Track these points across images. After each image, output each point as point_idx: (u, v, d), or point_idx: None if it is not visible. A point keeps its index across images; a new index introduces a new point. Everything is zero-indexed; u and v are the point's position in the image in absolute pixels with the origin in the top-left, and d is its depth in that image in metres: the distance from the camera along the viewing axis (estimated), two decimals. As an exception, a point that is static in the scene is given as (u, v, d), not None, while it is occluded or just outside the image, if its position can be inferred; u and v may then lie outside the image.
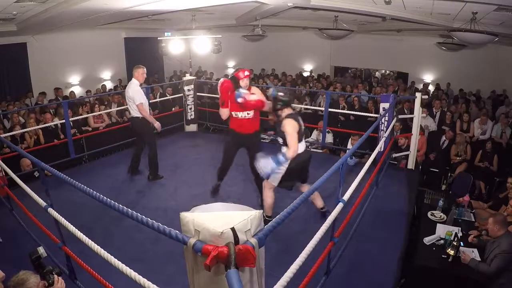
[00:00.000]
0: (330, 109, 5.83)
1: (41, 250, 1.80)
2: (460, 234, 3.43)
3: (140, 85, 4.46)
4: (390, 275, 2.93)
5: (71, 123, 5.16)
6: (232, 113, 3.65)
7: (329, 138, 6.45)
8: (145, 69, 4.47)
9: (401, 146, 5.63)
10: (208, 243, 1.31)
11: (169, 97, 8.20)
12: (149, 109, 4.77)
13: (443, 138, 6.67)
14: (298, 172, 3.27)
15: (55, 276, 1.78)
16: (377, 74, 14.72)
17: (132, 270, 1.56)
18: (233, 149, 3.90)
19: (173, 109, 7.80)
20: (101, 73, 10.41)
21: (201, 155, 5.44)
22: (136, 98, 4.34)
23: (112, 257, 1.71)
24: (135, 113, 4.43)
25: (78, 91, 9.58)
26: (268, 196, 3.39)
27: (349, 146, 6.07)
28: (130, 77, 10.91)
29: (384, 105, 4.94)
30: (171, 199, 4.18)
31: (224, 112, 3.68)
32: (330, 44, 12.59)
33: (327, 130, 5.83)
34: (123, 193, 4.33)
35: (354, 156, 5.43)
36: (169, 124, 6.90)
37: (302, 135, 3.20)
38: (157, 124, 4.49)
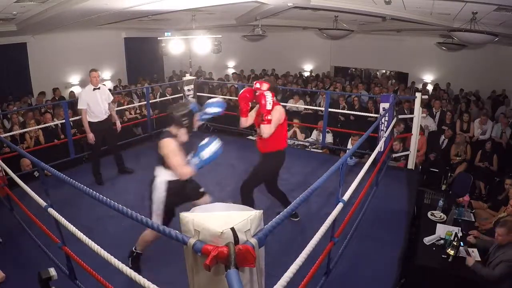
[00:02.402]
0: (330, 109, 5.83)
1: (53, 272, 1.70)
2: (460, 234, 3.43)
3: (95, 89, 4.35)
4: (390, 275, 2.93)
5: (71, 123, 5.16)
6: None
7: (329, 138, 6.46)
8: (98, 72, 4.36)
9: (396, 151, 5.58)
10: (208, 243, 1.31)
11: (169, 97, 8.20)
12: (112, 112, 4.65)
13: (442, 137, 6.68)
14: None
15: None
16: (378, 74, 14.72)
17: (132, 270, 1.56)
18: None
19: (173, 109, 7.79)
20: (101, 73, 10.38)
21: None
22: (79, 103, 4.31)
23: (112, 257, 1.71)
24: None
25: (78, 91, 9.57)
26: (152, 235, 2.74)
27: (349, 146, 6.06)
28: (130, 77, 11.00)
29: (384, 105, 4.94)
30: (171, 199, 4.17)
31: (242, 121, 3.28)
32: (330, 44, 12.58)
33: (327, 130, 5.83)
34: (123, 193, 4.33)
35: (354, 156, 5.43)
36: (169, 124, 6.90)
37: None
38: (89, 136, 4.39)
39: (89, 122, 4.36)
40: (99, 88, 4.38)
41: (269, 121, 3.02)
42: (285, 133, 3.33)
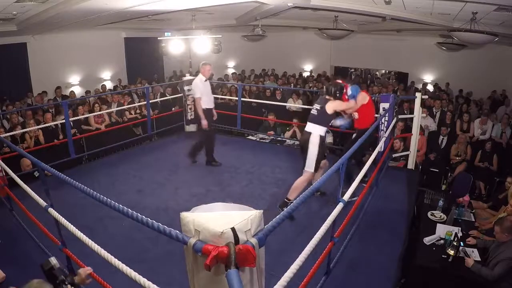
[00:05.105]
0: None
1: (53, 261, 1.73)
2: (460, 234, 3.43)
3: (206, 80, 4.78)
4: (390, 275, 2.93)
5: (71, 123, 5.17)
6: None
7: (329, 138, 6.45)
8: (211, 66, 4.80)
9: (396, 150, 5.59)
10: (208, 243, 1.31)
11: (169, 97, 8.20)
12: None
13: (441, 136, 6.69)
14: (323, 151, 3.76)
15: (68, 286, 1.76)
16: (378, 74, 14.74)
17: (132, 270, 1.56)
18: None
19: (173, 109, 7.81)
20: (101, 73, 10.40)
21: (201, 155, 5.44)
22: (196, 91, 4.70)
23: (112, 257, 1.71)
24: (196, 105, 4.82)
25: (78, 91, 9.57)
26: (302, 183, 3.66)
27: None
28: (130, 77, 10.98)
29: (384, 105, 4.93)
30: (172, 199, 4.18)
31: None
32: (330, 44, 12.58)
33: (327, 130, 5.81)
34: (123, 193, 4.33)
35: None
36: (169, 124, 6.91)
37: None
38: (204, 122, 4.73)
39: (203, 109, 4.72)
40: (207, 80, 4.79)
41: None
42: (367, 115, 4.14)
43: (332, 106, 3.61)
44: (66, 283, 1.74)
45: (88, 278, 1.87)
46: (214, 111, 5.09)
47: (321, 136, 3.59)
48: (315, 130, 3.60)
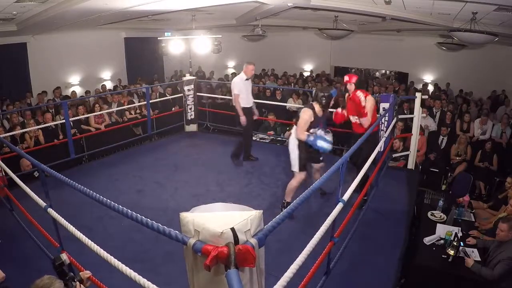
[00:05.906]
0: (330, 109, 5.81)
1: (64, 256, 1.79)
2: (460, 234, 3.43)
3: (247, 79, 4.86)
4: (390, 275, 2.92)
5: (71, 123, 5.16)
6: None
7: (329, 138, 6.43)
8: (254, 66, 4.89)
9: (396, 149, 5.59)
10: (208, 243, 1.31)
11: (169, 97, 8.20)
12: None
13: (441, 136, 6.69)
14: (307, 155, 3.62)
15: (77, 283, 1.78)
16: (378, 74, 14.72)
17: (132, 270, 1.56)
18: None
19: (173, 109, 7.81)
20: (101, 73, 10.40)
21: (201, 155, 5.44)
22: (234, 88, 4.80)
23: (112, 257, 1.71)
24: (234, 102, 4.89)
25: (78, 91, 9.57)
26: (294, 185, 3.64)
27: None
28: (130, 77, 10.98)
29: (384, 105, 4.93)
30: (171, 199, 4.18)
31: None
32: (330, 44, 12.58)
33: (327, 130, 5.81)
34: (123, 193, 4.33)
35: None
36: (169, 124, 6.91)
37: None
38: (242, 118, 4.78)
39: (242, 108, 4.80)
40: (248, 79, 4.88)
41: (366, 114, 3.73)
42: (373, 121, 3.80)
43: (301, 113, 3.47)
44: (76, 280, 1.76)
45: (87, 281, 1.88)
46: (255, 110, 5.10)
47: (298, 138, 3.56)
48: (293, 132, 3.60)
